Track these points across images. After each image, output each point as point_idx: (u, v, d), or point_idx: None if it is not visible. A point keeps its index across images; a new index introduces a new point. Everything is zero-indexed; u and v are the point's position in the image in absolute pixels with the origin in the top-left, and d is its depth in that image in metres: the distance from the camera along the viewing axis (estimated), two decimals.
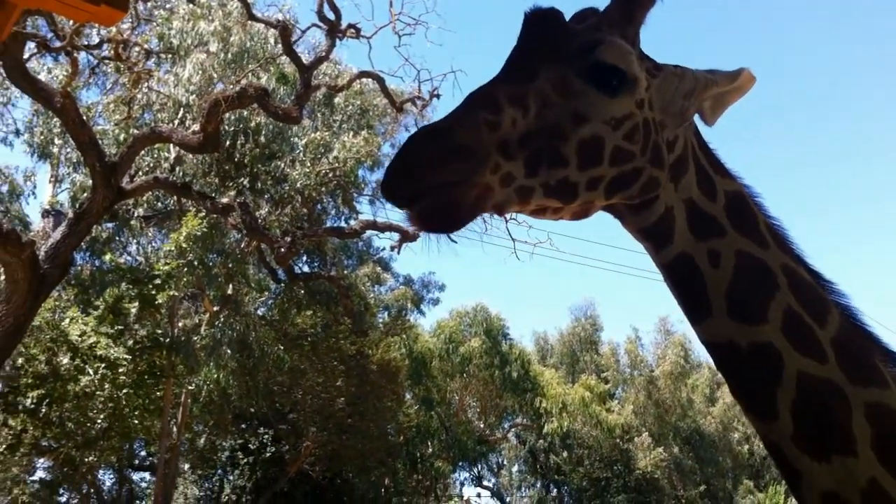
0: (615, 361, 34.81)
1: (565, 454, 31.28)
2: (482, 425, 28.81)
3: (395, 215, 16.70)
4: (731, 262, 2.03)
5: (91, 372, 13.69)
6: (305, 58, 12.89)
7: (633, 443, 30.88)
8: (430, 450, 25.54)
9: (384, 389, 20.71)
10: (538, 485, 33.22)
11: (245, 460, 21.36)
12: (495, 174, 1.77)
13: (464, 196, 1.74)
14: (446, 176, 1.73)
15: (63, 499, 20.75)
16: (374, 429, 20.63)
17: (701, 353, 36.23)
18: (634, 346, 35.01)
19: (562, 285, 74.59)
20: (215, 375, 18.18)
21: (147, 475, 23.25)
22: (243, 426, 21.48)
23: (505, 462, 33.97)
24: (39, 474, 18.20)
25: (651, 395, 32.29)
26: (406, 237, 15.49)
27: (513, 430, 31.30)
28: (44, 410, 13.68)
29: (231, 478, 21.81)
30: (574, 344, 35.60)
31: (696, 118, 2.18)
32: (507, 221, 15.39)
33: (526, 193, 1.84)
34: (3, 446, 14.03)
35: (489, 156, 1.76)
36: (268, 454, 20.94)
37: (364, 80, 15.72)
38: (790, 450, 1.93)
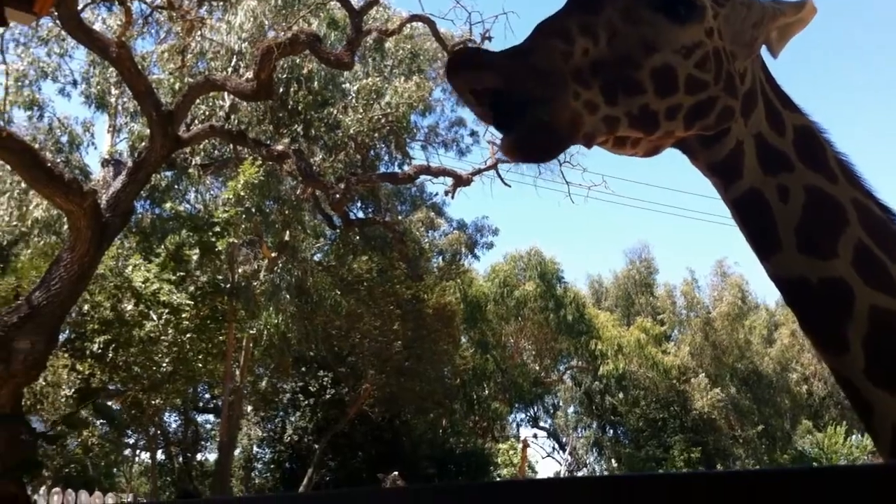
0: (671, 304, 34.63)
1: (621, 395, 31.39)
2: (537, 367, 29.02)
3: (448, 160, 16.71)
4: (800, 197, 2.01)
5: (155, 317, 14.06)
6: (355, 2, 12.84)
7: (690, 384, 30.83)
8: (487, 392, 25.84)
9: (440, 333, 20.94)
10: (594, 425, 33.43)
11: (306, 402, 21.85)
12: (577, 101, 1.76)
13: (559, 117, 1.72)
14: (534, 92, 1.71)
15: (131, 440, 21.53)
16: (430, 371, 20.92)
17: (758, 294, 35.95)
18: (691, 288, 34.78)
19: (616, 228, 74.07)
20: (275, 320, 18.52)
21: (211, 417, 23.96)
22: (303, 369, 21.92)
23: (560, 403, 34.20)
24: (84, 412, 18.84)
25: (708, 336, 32.11)
26: (459, 181, 15.48)
27: (568, 372, 31.47)
28: (110, 355, 14.13)
29: (293, 419, 22.34)
30: (629, 287, 35.48)
31: (763, 51, 2.16)
32: (561, 164, 15.32)
33: (612, 123, 1.83)
34: (73, 390, 14.55)
35: (567, 82, 1.74)
36: (328, 396, 21.39)
37: (414, 23, 15.61)
38: (862, 383, 1.92)
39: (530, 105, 1.70)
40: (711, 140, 2.05)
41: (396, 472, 17.61)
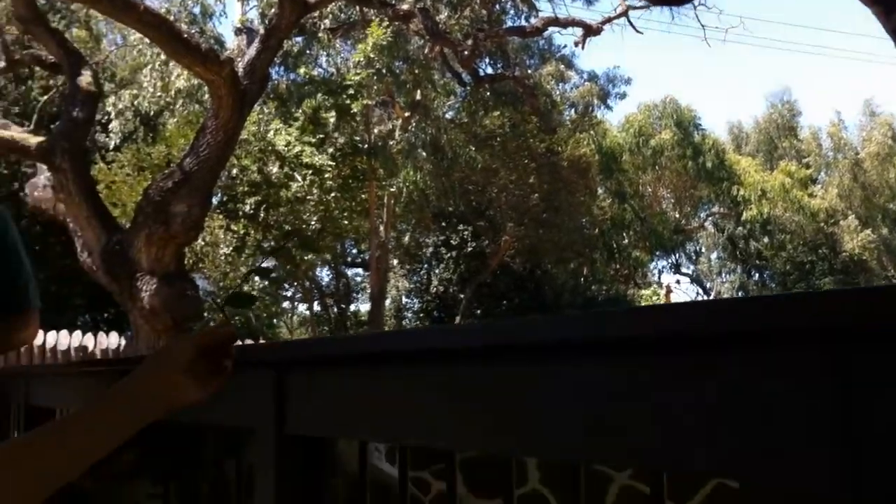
0: (817, 146, 33.23)
1: (766, 240, 30.81)
2: (677, 215, 28.75)
3: (576, 10, 16.37)
4: None
5: (299, 178, 14.81)
6: None
7: (839, 226, 29.89)
8: (626, 240, 25.91)
9: (576, 185, 21.03)
10: (738, 270, 33.09)
11: (448, 255, 22.61)
12: None
13: None
14: None
15: (288, 293, 23.02)
16: (568, 222, 21.13)
17: None
18: (837, 130, 33.18)
19: (755, 72, 70.38)
20: (413, 177, 19.09)
21: (360, 271, 25.12)
22: (444, 224, 22.57)
23: (703, 250, 33.91)
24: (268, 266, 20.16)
25: (857, 177, 30.82)
26: (589, 31, 15.22)
27: (709, 218, 31.02)
28: (262, 215, 15.07)
29: (437, 271, 23.19)
30: (771, 131, 34.16)
31: None
32: (695, 8, 14.81)
33: None
34: (231, 248, 15.66)
35: None
36: (469, 249, 22.04)
37: None
38: None
39: None
40: None
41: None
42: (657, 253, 29.41)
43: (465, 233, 22.19)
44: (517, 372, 0.83)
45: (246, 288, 17.61)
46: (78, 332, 11.07)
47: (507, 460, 1.54)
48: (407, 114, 18.16)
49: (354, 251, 24.26)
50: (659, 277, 31.50)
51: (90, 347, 10.96)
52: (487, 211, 21.57)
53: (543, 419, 0.79)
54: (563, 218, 20.84)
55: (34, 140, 8.93)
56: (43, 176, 9.51)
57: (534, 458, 1.59)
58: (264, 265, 16.52)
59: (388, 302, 22.87)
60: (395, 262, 23.49)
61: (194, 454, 1.48)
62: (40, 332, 10.42)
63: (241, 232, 15.38)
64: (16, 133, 9.24)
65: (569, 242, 21.35)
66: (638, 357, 0.68)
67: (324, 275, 23.90)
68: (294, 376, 1.19)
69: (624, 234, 26.06)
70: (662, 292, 26.53)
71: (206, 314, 14.49)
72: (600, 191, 25.17)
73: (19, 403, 2.84)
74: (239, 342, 1.22)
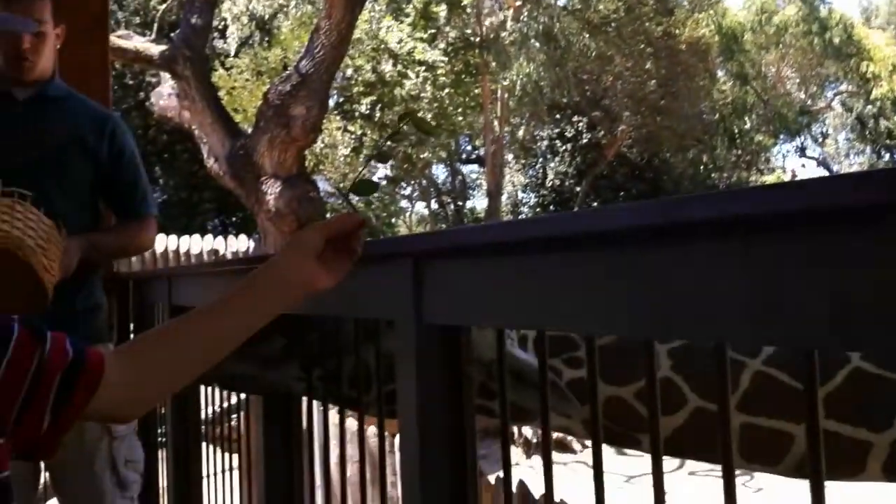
0: None
1: None
2: (802, 95, 27.42)
3: None
4: None
5: (413, 76, 14.78)
6: None
7: None
8: (748, 124, 24.95)
9: (695, 68, 20.25)
10: (867, 151, 31.52)
11: (563, 148, 22.33)
12: None
13: None
14: None
15: (406, 191, 23.28)
16: (687, 108, 20.49)
17: None
18: None
19: None
20: (526, 69, 18.75)
21: (475, 167, 25.13)
22: (558, 116, 22.24)
23: (830, 131, 32.38)
24: (383, 172, 20.40)
25: None
26: None
27: (837, 98, 29.46)
28: (377, 115, 15.18)
29: (552, 164, 22.98)
30: None
31: None
32: None
33: None
34: (349, 149, 15.89)
35: None
36: (584, 141, 21.71)
37: None
38: None
39: None
40: None
41: None
42: (781, 136, 28.25)
43: (581, 124, 21.81)
44: (671, 253, 0.81)
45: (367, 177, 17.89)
46: (209, 236, 11.52)
47: (636, 349, 1.54)
48: (518, 3, 17.76)
49: (469, 148, 24.24)
50: (783, 162, 30.39)
51: (221, 251, 11.41)
52: (603, 100, 21.09)
53: (699, 302, 0.77)
54: (681, 104, 20.21)
55: (156, 49, 9.16)
56: (167, 84, 9.78)
57: (665, 346, 1.58)
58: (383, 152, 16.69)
59: (504, 197, 22.86)
60: (511, 156, 23.37)
61: (335, 343, 1.54)
62: (174, 237, 10.90)
63: (358, 132, 15.55)
64: (138, 43, 9.49)
65: (688, 129, 20.75)
66: (817, 232, 0.65)
67: (440, 172, 24.03)
68: (432, 266, 1.20)
69: (746, 118, 25.08)
70: (787, 177, 25.58)
71: (328, 215, 14.83)
72: (720, 73, 24.17)
73: (163, 303, 2.99)
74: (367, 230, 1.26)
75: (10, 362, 0.93)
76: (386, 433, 1.51)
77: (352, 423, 3.55)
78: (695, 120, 21.10)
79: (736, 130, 24.72)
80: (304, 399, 1.81)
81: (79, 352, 1.00)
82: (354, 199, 18.74)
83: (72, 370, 0.98)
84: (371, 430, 4.33)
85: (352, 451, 3.57)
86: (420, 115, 15.53)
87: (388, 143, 13.60)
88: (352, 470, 3.36)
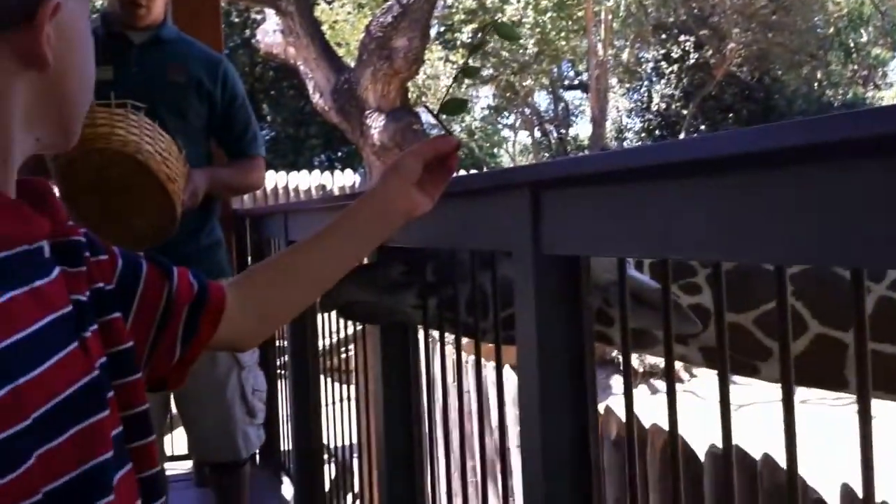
0: None
1: None
2: None
3: None
4: None
5: (515, 1, 14.54)
6: None
7: None
8: (865, 38, 23.69)
9: None
10: None
11: (669, 69, 21.68)
12: None
13: None
14: None
15: (508, 121, 23.10)
16: (800, 23, 19.58)
17: None
18: None
19: None
20: None
21: (578, 93, 24.69)
22: (663, 36, 21.56)
23: None
24: (486, 101, 20.29)
25: None
26: None
27: None
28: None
29: (658, 87, 22.38)
30: None
31: None
32: None
33: None
34: (451, 79, 15.80)
35: None
36: (691, 61, 21.02)
37: None
38: None
39: None
40: None
41: None
42: None
43: (687, 44, 21.08)
44: (797, 176, 0.78)
45: (468, 119, 17.81)
46: (316, 172, 11.71)
47: (756, 274, 1.50)
48: None
49: (571, 73, 23.80)
50: None
51: (328, 186, 11.60)
52: (711, 18, 20.30)
53: (828, 227, 0.74)
54: (794, 18, 19.32)
55: None
56: (272, 21, 9.87)
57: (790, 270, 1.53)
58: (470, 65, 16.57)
59: (608, 123, 22.44)
60: (614, 81, 22.85)
61: (452, 269, 1.56)
62: (282, 174, 11.12)
63: (460, 62, 15.44)
64: None
65: (801, 45, 19.85)
66: None
67: (542, 100, 23.72)
68: (549, 196, 1.19)
69: (862, 31, 23.80)
70: None
71: None
72: None
73: (279, 238, 3.07)
74: (461, 151, 1.26)
75: (142, 296, 0.96)
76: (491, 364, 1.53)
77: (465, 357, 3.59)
78: (808, 34, 20.16)
79: (851, 44, 23.52)
80: (420, 331, 1.84)
81: (202, 285, 1.04)
82: (445, 120, 18.69)
83: (197, 303, 1.02)
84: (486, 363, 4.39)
85: (469, 384, 3.64)
86: (522, 41, 15.32)
87: (472, 57, 13.53)
88: (468, 400, 3.41)
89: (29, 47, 0.74)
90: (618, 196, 1.08)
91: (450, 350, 1.85)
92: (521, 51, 15.73)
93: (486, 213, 1.36)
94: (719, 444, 0.99)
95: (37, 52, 0.74)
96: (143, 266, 0.98)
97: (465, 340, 1.70)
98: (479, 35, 15.26)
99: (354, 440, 2.83)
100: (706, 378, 8.21)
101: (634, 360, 7.65)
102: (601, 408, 3.88)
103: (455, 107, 1.38)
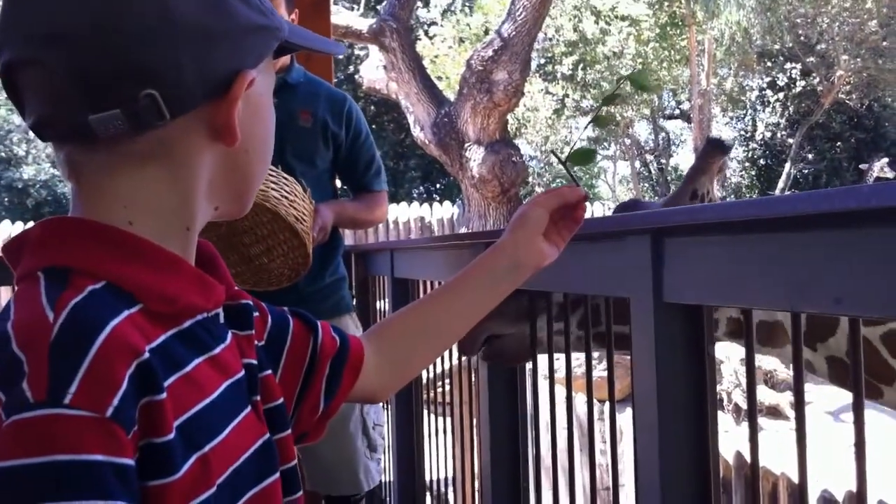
0: None
1: None
2: None
3: None
4: None
5: (615, 32, 14.47)
6: None
7: None
8: None
9: None
10: None
11: (775, 97, 21.20)
12: None
13: None
14: None
15: (608, 151, 22.90)
16: None
17: None
18: None
19: None
20: (735, 17, 17.90)
21: (679, 123, 24.33)
22: (769, 64, 21.11)
23: None
24: (586, 133, 20.18)
25: None
26: None
27: None
28: (579, 75, 14.99)
29: (762, 116, 21.89)
30: None
31: None
32: None
33: None
34: (550, 111, 15.80)
35: None
36: (798, 89, 20.50)
37: None
38: None
39: None
40: None
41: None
42: None
43: (793, 71, 20.57)
44: None
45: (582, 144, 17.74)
46: (415, 204, 11.83)
47: None
48: None
49: (672, 103, 23.49)
50: None
51: (426, 217, 11.68)
52: (818, 45, 19.79)
53: None
54: None
55: (365, 23, 9.44)
56: (374, 57, 10.08)
57: None
58: (600, 115, 16.51)
59: None
60: (717, 109, 22.45)
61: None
62: None
63: (560, 94, 15.42)
64: (348, 18, 9.81)
65: None
66: None
67: (642, 130, 23.45)
68: (671, 243, 1.17)
69: None
70: None
71: (530, 179, 14.86)
72: None
73: (386, 276, 3.09)
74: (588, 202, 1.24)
75: (289, 352, 0.98)
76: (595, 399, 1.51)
77: (561, 390, 3.55)
78: None
79: None
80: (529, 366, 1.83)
81: (343, 338, 1.05)
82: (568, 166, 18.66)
83: (338, 356, 1.02)
84: (580, 399, 4.33)
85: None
86: (623, 71, 15.21)
87: (606, 107, 13.38)
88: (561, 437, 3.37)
89: (222, 120, 0.76)
90: (742, 245, 1.05)
91: (559, 390, 1.83)
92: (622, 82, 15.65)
93: (605, 258, 1.35)
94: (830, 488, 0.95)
95: (228, 126, 0.76)
96: (289, 321, 1.00)
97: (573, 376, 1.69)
98: (616, 84, 15.20)
99: (450, 473, 2.81)
100: (814, 416, 7.90)
101: (739, 396, 7.43)
102: None
103: (583, 156, 1.36)
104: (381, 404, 2.88)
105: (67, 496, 0.58)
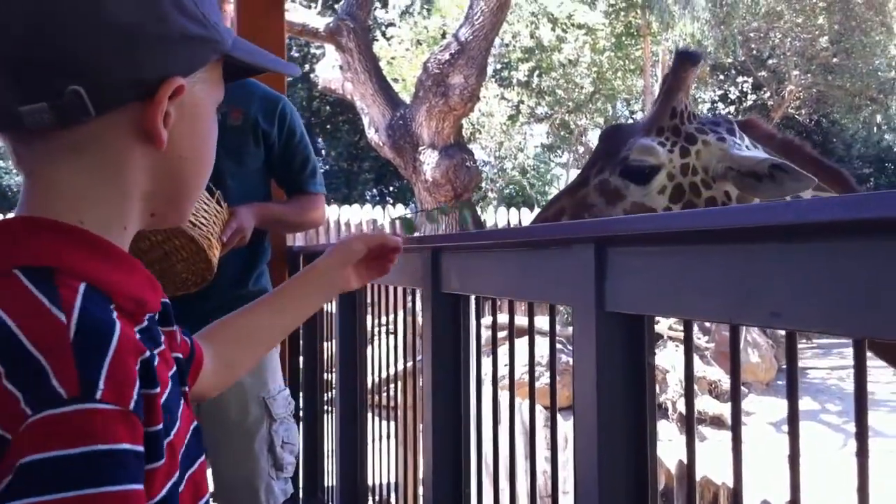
0: None
1: None
2: None
3: None
4: None
5: (572, 40, 14.56)
6: None
7: None
8: None
9: (871, 22, 19.01)
10: None
11: (726, 110, 21.53)
12: None
13: None
14: None
15: (561, 159, 23.04)
16: (861, 66, 19.31)
17: None
18: None
19: None
20: (690, 29, 18.15)
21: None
22: (721, 77, 21.43)
23: None
24: (540, 140, 20.27)
25: None
26: None
27: None
28: (535, 81, 15.05)
29: None
30: None
31: None
32: None
33: None
34: (505, 117, 15.85)
35: None
36: (748, 102, 20.85)
37: None
38: None
39: None
40: None
41: None
42: None
43: (745, 85, 20.93)
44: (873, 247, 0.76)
45: (520, 157, 17.83)
46: (368, 206, 11.79)
47: None
48: None
49: (626, 112, 23.71)
50: None
51: (379, 220, 11.65)
52: (769, 59, 20.14)
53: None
54: (855, 61, 19.05)
55: (321, 21, 9.38)
56: (331, 56, 10.02)
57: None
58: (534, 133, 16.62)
59: None
60: None
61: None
62: (335, 207, 11.21)
63: (516, 100, 15.48)
64: (304, 16, 9.74)
65: (861, 88, 19.54)
66: None
67: (595, 138, 23.59)
68: (614, 253, 1.17)
69: None
70: None
71: (483, 184, 14.88)
72: None
73: None
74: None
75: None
76: (538, 406, 1.51)
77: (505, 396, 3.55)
78: (869, 78, 19.84)
79: None
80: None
81: (192, 340, 1.08)
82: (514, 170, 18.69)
83: (188, 359, 1.05)
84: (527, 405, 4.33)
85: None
86: (578, 81, 15.32)
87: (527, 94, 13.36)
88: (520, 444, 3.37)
89: (147, 123, 0.78)
90: (683, 255, 1.06)
91: (503, 395, 1.83)
92: (576, 90, 15.74)
93: (548, 267, 1.34)
94: (770, 499, 0.96)
95: (153, 128, 0.79)
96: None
97: (517, 383, 1.68)
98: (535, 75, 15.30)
99: (394, 478, 2.80)
100: (755, 427, 8.02)
101: (683, 405, 7.51)
102: None
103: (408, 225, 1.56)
104: (293, 423, 2.83)
105: (106, 482, 0.64)
